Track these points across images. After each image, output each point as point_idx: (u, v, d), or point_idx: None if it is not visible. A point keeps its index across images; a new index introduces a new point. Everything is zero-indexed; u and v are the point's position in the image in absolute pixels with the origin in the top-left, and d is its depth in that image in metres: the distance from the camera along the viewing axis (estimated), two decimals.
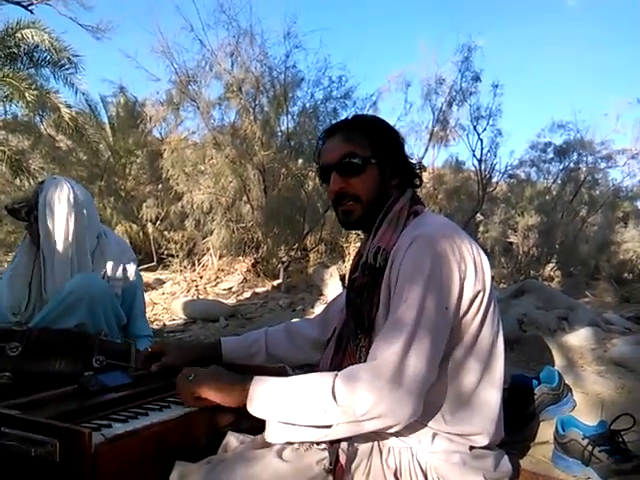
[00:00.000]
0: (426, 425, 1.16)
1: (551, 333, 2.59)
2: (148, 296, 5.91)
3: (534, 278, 8.35)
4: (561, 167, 10.33)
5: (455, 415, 1.16)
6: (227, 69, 7.42)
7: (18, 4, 13.40)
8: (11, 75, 10.92)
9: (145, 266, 8.30)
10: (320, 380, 1.11)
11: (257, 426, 1.15)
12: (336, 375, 1.09)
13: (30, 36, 11.36)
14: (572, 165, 10.20)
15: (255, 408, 1.12)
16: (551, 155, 10.32)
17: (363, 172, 1.29)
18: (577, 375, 2.10)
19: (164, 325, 4.84)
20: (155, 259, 9.56)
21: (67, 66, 11.95)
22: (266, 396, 1.12)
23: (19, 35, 11.42)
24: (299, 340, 1.62)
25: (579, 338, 2.46)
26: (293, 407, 1.09)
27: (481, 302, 1.17)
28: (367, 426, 1.06)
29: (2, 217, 13.13)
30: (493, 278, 1.25)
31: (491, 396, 1.21)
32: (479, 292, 1.16)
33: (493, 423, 1.20)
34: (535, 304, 3.06)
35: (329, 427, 1.07)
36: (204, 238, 7.76)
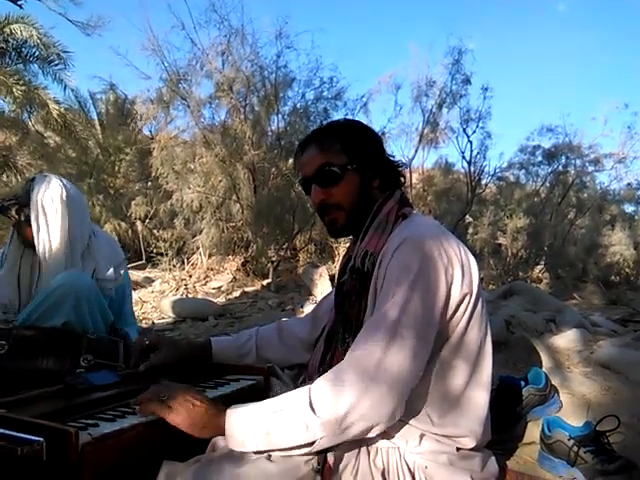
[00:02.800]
0: (413, 426, 1.16)
1: (538, 335, 2.61)
2: (137, 294, 5.89)
3: (523, 280, 8.41)
4: (550, 170, 10.44)
5: (442, 417, 1.17)
6: (218, 68, 7.41)
7: None
8: None
9: (134, 264, 8.26)
10: (296, 397, 1.08)
11: None
12: (310, 388, 1.06)
13: (19, 31, 11.22)
14: (560, 168, 10.31)
15: (237, 446, 1.07)
16: (540, 158, 10.43)
17: (342, 180, 1.29)
18: (564, 376, 2.12)
19: (153, 324, 4.82)
20: (144, 257, 9.52)
21: (56, 62, 11.84)
22: (245, 430, 1.06)
23: (7, 30, 11.29)
24: (290, 340, 1.61)
25: (566, 340, 2.48)
26: (274, 433, 1.05)
27: (468, 304, 1.17)
28: (351, 431, 1.05)
29: None
30: (482, 280, 1.26)
31: (479, 397, 1.21)
32: (466, 294, 1.16)
33: (480, 425, 1.21)
34: (523, 306, 3.09)
35: (313, 443, 1.05)
36: (194, 237, 7.74)
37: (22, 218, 2.23)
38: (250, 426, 1.06)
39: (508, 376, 1.90)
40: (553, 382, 1.93)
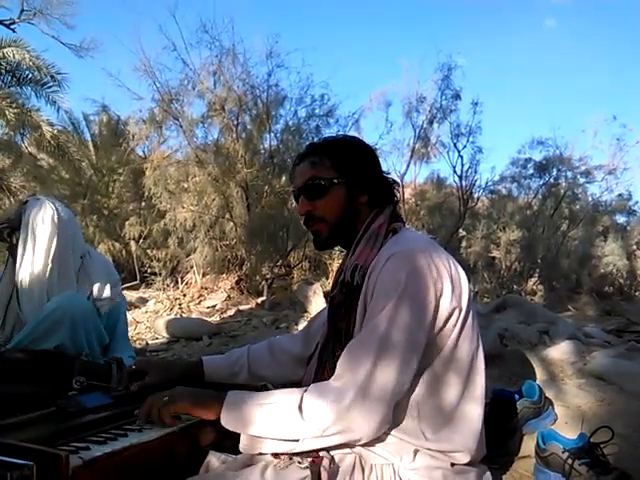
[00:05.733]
0: (407, 442, 1.16)
1: (532, 347, 2.61)
2: (131, 315, 5.85)
3: (517, 292, 8.43)
4: (541, 182, 10.50)
5: (436, 432, 1.17)
6: (210, 88, 7.45)
7: (0, 23, 13.36)
8: None
9: (128, 285, 8.22)
10: (289, 396, 1.13)
11: (239, 445, 1.15)
12: (305, 391, 1.12)
13: (11, 54, 11.29)
14: (552, 180, 10.37)
15: (227, 421, 1.14)
16: (531, 171, 10.49)
17: (327, 193, 1.32)
18: (558, 388, 2.12)
19: (147, 344, 4.79)
20: (138, 277, 9.48)
21: (50, 84, 11.88)
22: (238, 410, 1.14)
23: (0, 54, 11.36)
24: (282, 356, 1.61)
25: (560, 352, 2.48)
26: (263, 421, 1.11)
27: (458, 318, 1.18)
28: (332, 440, 1.09)
29: None
30: (477, 293, 1.27)
31: (473, 411, 1.21)
32: (455, 308, 1.17)
33: (475, 439, 1.20)
34: (517, 318, 3.09)
35: (296, 441, 1.10)
36: (187, 256, 7.72)
37: (14, 241, 2.22)
38: (244, 409, 1.13)
39: (502, 389, 1.90)
40: (547, 394, 1.93)
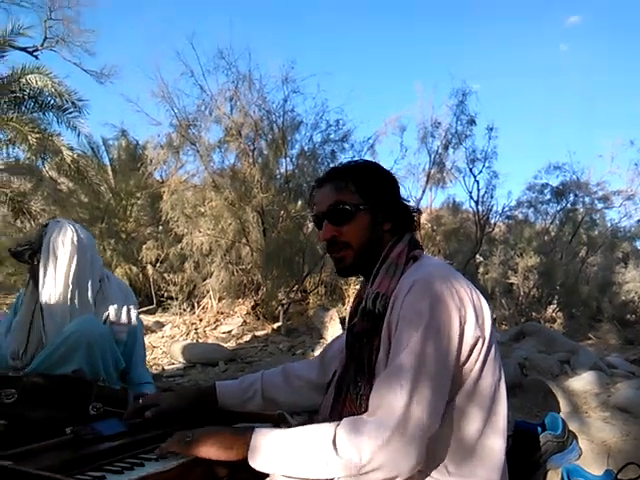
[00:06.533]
0: (430, 476, 1.13)
1: (553, 377, 2.56)
2: (148, 339, 5.86)
3: (536, 320, 8.30)
4: (558, 208, 10.43)
5: (459, 466, 1.14)
6: (226, 113, 7.56)
7: (24, 50, 13.77)
8: (15, 119, 11.11)
9: (145, 309, 8.26)
10: (321, 431, 1.09)
11: (255, 477, 1.13)
12: (337, 426, 1.08)
13: (34, 81, 11.60)
14: (569, 206, 10.30)
15: (257, 462, 1.10)
16: (548, 196, 10.44)
17: (353, 219, 1.30)
18: (582, 421, 2.07)
19: (163, 369, 4.78)
20: (155, 302, 9.51)
21: (70, 110, 12.17)
22: (267, 449, 1.10)
23: (24, 80, 11.67)
24: (296, 382, 1.59)
25: (582, 383, 2.43)
26: (295, 460, 1.07)
27: (482, 347, 1.16)
28: (369, 478, 1.04)
29: (2, 259, 13.15)
30: (495, 320, 1.24)
31: (495, 444, 1.18)
32: (479, 337, 1.15)
33: (498, 473, 1.17)
34: (537, 347, 3.04)
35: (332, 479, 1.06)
36: (204, 280, 7.74)
37: (35, 263, 2.25)
38: (273, 448, 1.09)
39: (524, 422, 1.85)
40: (571, 427, 1.87)
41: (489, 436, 1.18)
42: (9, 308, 2.46)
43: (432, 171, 9.27)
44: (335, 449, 1.04)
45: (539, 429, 1.78)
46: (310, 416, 1.52)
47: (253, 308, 7.09)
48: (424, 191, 9.53)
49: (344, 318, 5.88)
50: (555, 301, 9.56)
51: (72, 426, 1.30)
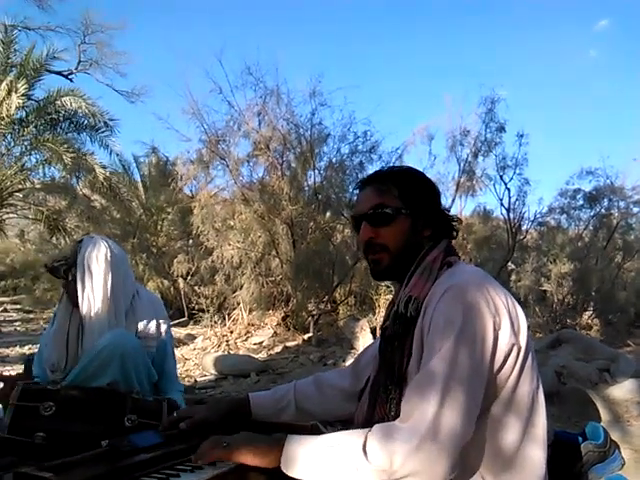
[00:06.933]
0: None
1: (592, 386, 2.49)
2: (179, 352, 5.93)
3: (571, 327, 8.11)
4: (592, 213, 10.18)
5: (497, 476, 1.11)
6: (255, 128, 7.65)
7: (59, 74, 14.25)
8: (51, 140, 11.47)
9: (176, 321, 8.36)
10: (352, 437, 1.09)
11: None
12: (368, 432, 1.07)
13: (69, 103, 12.00)
14: (603, 211, 10.05)
15: (289, 469, 1.10)
16: (581, 202, 10.20)
17: (392, 222, 1.30)
18: (624, 430, 2.01)
19: (195, 381, 4.82)
20: (186, 314, 9.63)
21: (103, 129, 12.54)
22: (300, 456, 1.09)
23: (59, 102, 12.08)
24: (329, 391, 1.58)
25: (623, 391, 2.36)
26: (326, 466, 1.07)
27: (518, 356, 1.14)
28: None
29: (39, 275, 13.50)
30: (529, 328, 1.21)
31: (535, 455, 1.15)
32: (514, 345, 1.13)
33: None
34: (574, 355, 2.97)
35: None
36: (234, 292, 7.80)
37: (70, 278, 2.29)
38: (305, 455, 1.09)
39: (564, 431, 1.80)
40: (612, 437, 1.81)
41: (528, 447, 1.15)
42: (47, 322, 2.53)
43: (462, 179, 9.18)
44: (365, 455, 1.03)
45: (580, 439, 1.73)
46: (344, 426, 1.51)
47: (283, 319, 7.11)
48: (454, 200, 9.45)
49: (375, 328, 5.85)
50: (591, 308, 9.32)
51: (108, 438, 1.31)
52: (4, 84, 11.23)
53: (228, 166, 7.64)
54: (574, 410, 2.27)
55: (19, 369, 4.90)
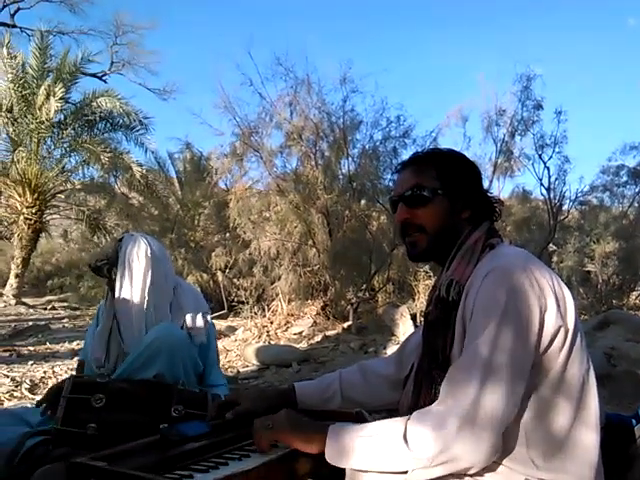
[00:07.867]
0: (516, 470, 1.09)
1: None
2: (221, 343, 6.01)
3: (618, 308, 7.90)
4: (637, 190, 9.88)
5: (548, 460, 1.09)
6: (287, 118, 7.66)
7: (94, 76, 14.59)
8: (88, 141, 11.77)
9: (216, 314, 8.47)
10: (393, 425, 1.09)
11: (337, 473, 1.13)
12: (408, 419, 1.07)
13: (104, 103, 12.28)
14: None
15: (331, 455, 1.11)
16: (625, 178, 9.91)
17: (429, 203, 1.28)
18: None
19: (238, 372, 4.88)
20: (226, 307, 9.75)
21: (138, 128, 12.78)
22: (341, 443, 1.10)
23: (95, 104, 12.37)
24: (375, 380, 1.57)
25: None
26: (368, 454, 1.08)
27: (565, 336, 1.11)
28: (440, 470, 1.03)
29: (83, 273, 13.90)
30: (576, 309, 1.18)
31: (587, 439, 1.12)
32: (561, 326, 1.10)
33: (592, 470, 1.11)
34: (623, 336, 2.89)
35: (405, 473, 1.05)
36: (272, 283, 7.87)
37: (113, 276, 2.34)
38: (347, 443, 1.10)
39: (616, 414, 1.75)
40: None
41: (580, 430, 1.12)
42: (92, 319, 2.60)
43: (499, 160, 8.99)
44: (406, 442, 1.03)
45: (633, 421, 1.68)
46: (390, 414, 1.50)
47: (323, 308, 7.13)
48: (491, 181, 9.25)
49: (415, 314, 5.81)
50: (638, 287, 9.06)
51: (157, 428, 1.34)
52: (42, 89, 11.55)
53: (262, 158, 7.68)
54: (625, 392, 2.21)
55: (69, 364, 5.07)
